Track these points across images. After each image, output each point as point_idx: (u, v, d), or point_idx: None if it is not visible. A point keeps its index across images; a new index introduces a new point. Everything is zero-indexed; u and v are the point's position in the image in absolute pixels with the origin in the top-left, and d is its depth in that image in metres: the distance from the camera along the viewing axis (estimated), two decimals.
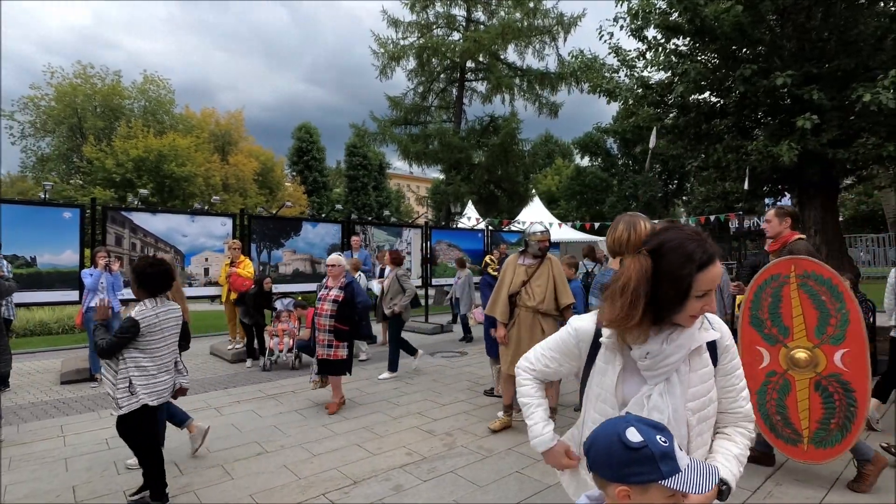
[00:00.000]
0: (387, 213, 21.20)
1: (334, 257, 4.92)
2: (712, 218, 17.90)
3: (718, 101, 7.88)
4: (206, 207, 13.02)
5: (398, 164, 30.82)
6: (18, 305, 6.04)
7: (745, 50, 7.29)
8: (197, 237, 7.45)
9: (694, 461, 0.97)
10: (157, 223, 7.10)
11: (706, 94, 7.86)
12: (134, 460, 3.46)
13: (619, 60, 8.27)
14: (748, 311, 3.27)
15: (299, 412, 4.77)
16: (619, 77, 8.48)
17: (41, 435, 4.19)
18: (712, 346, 1.31)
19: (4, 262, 5.55)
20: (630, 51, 8.10)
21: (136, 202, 8.99)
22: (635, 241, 2.29)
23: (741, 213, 18.77)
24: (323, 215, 26.29)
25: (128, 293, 6.59)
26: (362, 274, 7.49)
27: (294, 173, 33.65)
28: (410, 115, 19.75)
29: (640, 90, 8.07)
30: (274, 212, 10.96)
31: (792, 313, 3.12)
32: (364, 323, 5.07)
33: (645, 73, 8.13)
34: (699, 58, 7.65)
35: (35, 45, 64.09)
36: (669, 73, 7.67)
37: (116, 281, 5.92)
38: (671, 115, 8.44)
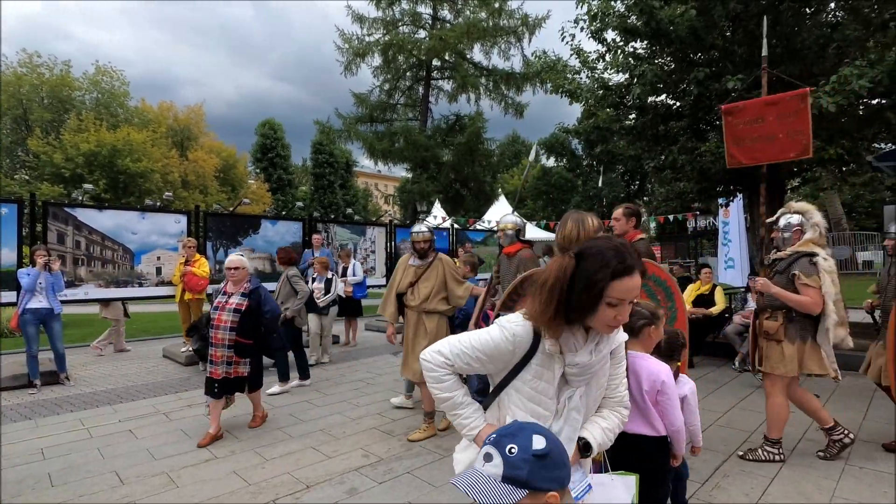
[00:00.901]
0: (349, 211, 20.94)
1: (235, 259, 4.13)
2: (671, 217, 18.44)
3: (675, 104, 8.10)
4: (157, 204, 12.51)
5: (365, 163, 30.37)
6: None
7: (699, 54, 7.51)
8: (148, 235, 7.13)
9: (490, 480, 1.02)
10: (104, 220, 6.75)
11: (663, 97, 8.06)
12: None
13: (580, 62, 8.39)
14: None
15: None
16: (581, 78, 8.61)
17: None
18: None
19: None
20: (590, 52, 8.24)
21: (80, 198, 8.53)
22: (584, 238, 2.31)
23: (698, 212, 19.42)
24: (284, 213, 25.72)
25: (70, 294, 6.26)
26: (334, 275, 7.26)
27: (258, 170, 32.78)
28: (376, 113, 19.58)
29: (600, 91, 8.21)
30: (231, 209, 10.63)
31: None
32: (274, 335, 4.35)
33: (605, 75, 8.28)
34: (656, 60, 7.84)
35: None
36: (628, 75, 7.83)
37: (57, 281, 5.59)
38: (630, 116, 8.62)
